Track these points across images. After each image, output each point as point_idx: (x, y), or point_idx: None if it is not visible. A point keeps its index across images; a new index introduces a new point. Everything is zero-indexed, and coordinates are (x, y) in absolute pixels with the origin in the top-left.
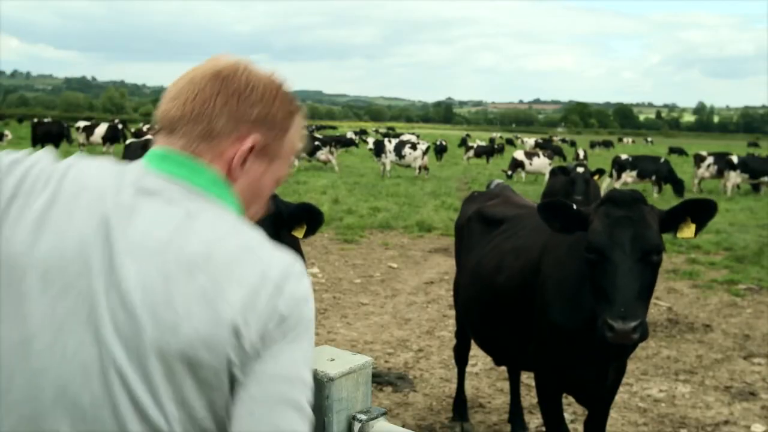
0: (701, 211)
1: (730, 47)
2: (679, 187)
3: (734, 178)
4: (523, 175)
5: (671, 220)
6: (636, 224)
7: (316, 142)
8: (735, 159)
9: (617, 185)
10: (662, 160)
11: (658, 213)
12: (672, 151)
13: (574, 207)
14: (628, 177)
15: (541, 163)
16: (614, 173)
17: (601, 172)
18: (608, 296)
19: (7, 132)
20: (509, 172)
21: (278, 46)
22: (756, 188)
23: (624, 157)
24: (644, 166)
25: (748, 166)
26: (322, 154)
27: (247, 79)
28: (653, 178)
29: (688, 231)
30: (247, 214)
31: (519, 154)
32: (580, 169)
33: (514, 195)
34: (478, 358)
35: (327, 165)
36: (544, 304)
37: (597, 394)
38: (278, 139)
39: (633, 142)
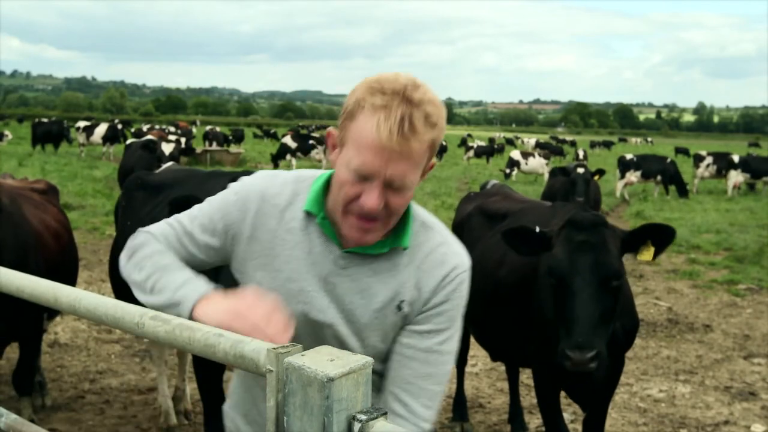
0: (661, 236)
1: (730, 47)
2: (683, 188)
3: (735, 177)
4: (519, 174)
5: (632, 242)
6: (596, 250)
7: (311, 141)
8: (736, 158)
9: (620, 185)
10: (669, 160)
11: (620, 235)
12: (678, 151)
13: (537, 230)
14: (633, 177)
15: (537, 163)
16: (618, 173)
17: (601, 172)
18: (567, 324)
19: (7, 132)
20: (507, 171)
21: (279, 46)
22: (752, 187)
23: (629, 156)
24: (649, 165)
25: (749, 165)
26: (317, 153)
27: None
28: (658, 178)
29: (647, 254)
30: (335, 199)
31: (515, 154)
32: (581, 170)
33: (513, 192)
34: (479, 359)
35: (320, 164)
36: (540, 300)
37: (588, 388)
38: (345, 126)
39: (641, 142)
